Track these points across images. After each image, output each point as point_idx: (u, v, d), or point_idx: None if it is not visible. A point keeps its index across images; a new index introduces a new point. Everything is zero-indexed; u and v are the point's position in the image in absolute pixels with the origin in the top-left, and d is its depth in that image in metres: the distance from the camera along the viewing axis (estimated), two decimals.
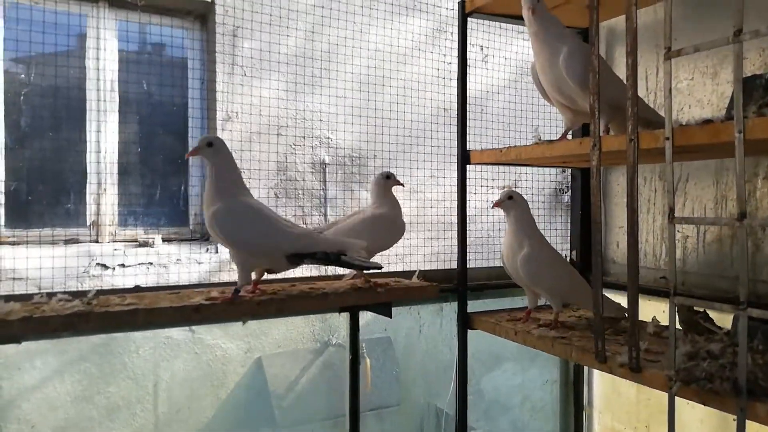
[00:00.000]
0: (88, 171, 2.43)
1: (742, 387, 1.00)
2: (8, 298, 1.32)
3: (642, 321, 1.52)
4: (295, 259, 1.45)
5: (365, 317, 2.78)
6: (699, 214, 1.67)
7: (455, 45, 1.89)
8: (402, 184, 1.84)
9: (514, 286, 1.81)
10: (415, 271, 1.83)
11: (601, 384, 2.20)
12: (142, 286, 1.62)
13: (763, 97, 1.06)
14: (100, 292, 1.39)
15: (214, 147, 1.45)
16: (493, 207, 1.68)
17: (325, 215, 2.74)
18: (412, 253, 2.71)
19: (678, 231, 1.73)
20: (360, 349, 2.68)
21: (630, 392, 1.98)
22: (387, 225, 1.71)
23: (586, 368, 2.22)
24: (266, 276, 1.57)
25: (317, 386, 2.70)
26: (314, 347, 2.79)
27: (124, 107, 2.51)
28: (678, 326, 1.36)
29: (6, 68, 2.29)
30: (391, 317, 1.61)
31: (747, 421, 1.02)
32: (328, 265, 1.50)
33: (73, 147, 2.43)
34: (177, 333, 2.42)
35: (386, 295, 1.50)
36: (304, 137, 2.73)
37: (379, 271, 1.49)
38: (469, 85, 1.84)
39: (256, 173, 2.51)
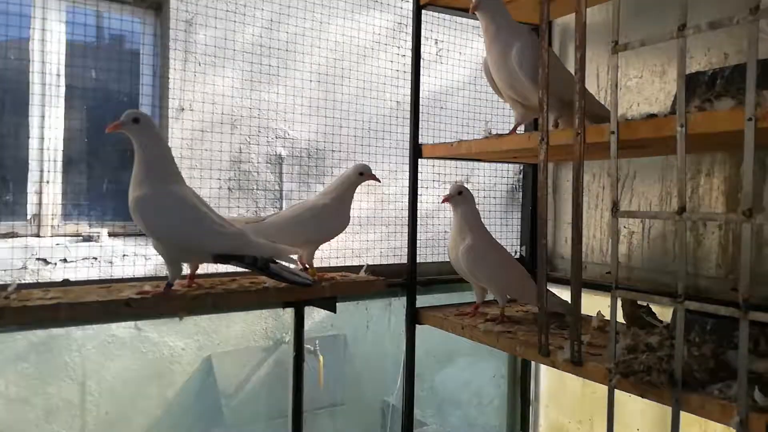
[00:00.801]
0: (29, 161, 2.32)
1: (678, 379, 1.01)
2: None
3: (587, 315, 1.53)
4: (222, 260, 1.36)
5: (320, 315, 2.74)
6: (645, 209, 1.70)
7: (431, 39, 1.88)
8: (378, 180, 1.81)
9: (464, 281, 1.81)
10: (363, 265, 1.81)
11: (547, 378, 2.22)
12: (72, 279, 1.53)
13: (705, 93, 1.07)
14: (22, 286, 1.30)
15: (140, 124, 1.33)
16: (442, 202, 1.68)
17: (281, 209, 2.69)
18: (370, 248, 2.69)
19: (624, 227, 1.75)
20: (313, 346, 2.65)
21: (575, 386, 2.00)
22: (329, 215, 1.67)
23: (533, 363, 2.24)
24: (208, 269, 1.50)
25: (269, 384, 2.66)
26: (267, 345, 2.74)
27: (70, 96, 2.41)
28: (622, 321, 1.37)
29: None
30: (335, 312, 1.58)
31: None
32: (255, 272, 1.40)
33: (14, 136, 2.32)
34: (122, 331, 2.33)
35: (330, 289, 1.46)
36: (260, 130, 2.68)
37: (308, 283, 1.42)
38: (427, 81, 1.83)
39: (209, 166, 2.44)
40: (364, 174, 1.77)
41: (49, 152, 2.34)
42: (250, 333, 2.66)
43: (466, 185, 1.74)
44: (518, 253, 2.16)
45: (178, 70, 2.47)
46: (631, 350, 1.09)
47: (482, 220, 1.73)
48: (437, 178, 2.51)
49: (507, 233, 2.35)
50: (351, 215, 1.82)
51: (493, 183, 2.56)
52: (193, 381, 2.55)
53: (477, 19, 1.64)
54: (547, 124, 1.25)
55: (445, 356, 2.86)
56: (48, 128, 2.33)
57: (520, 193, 2.32)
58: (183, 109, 2.49)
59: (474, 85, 2.62)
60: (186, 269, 1.46)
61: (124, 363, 2.35)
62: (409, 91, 2.51)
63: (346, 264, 2.37)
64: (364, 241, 2.56)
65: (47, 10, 2.32)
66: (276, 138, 2.69)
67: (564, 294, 1.71)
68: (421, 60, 1.87)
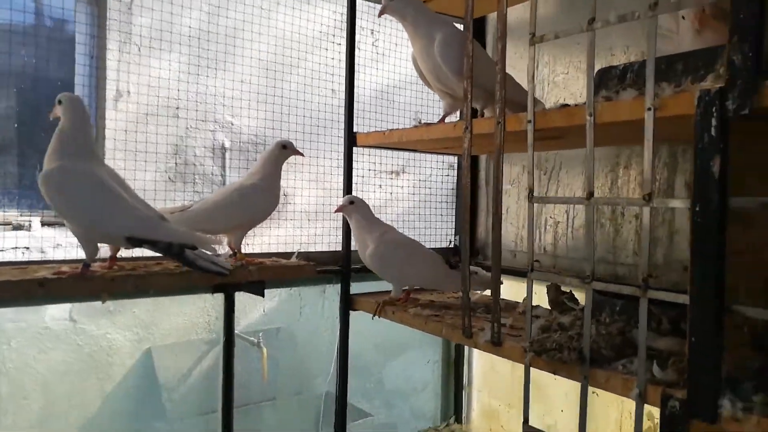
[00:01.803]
0: None
1: (586, 356, 1.06)
2: None
3: (515, 302, 1.59)
4: (136, 243, 1.34)
5: (265, 306, 2.73)
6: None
7: (359, 32, 1.89)
8: (301, 154, 1.81)
9: None
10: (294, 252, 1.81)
11: (480, 363, 2.28)
12: None
13: (617, 85, 1.13)
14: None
15: (62, 104, 1.39)
16: (335, 212, 1.76)
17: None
18: (317, 242, 2.69)
19: (550, 217, 1.83)
20: (257, 339, 2.63)
21: (505, 370, 2.07)
22: (258, 196, 1.67)
23: (467, 349, 2.30)
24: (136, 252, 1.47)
25: (211, 377, 2.62)
26: (209, 338, 2.71)
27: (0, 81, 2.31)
28: (545, 306, 1.43)
29: None
30: (263, 296, 1.58)
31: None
32: (170, 258, 1.37)
33: None
34: (56, 324, 2.27)
35: (258, 273, 1.45)
36: (203, 120, 2.63)
37: (223, 272, 1.40)
38: (374, 72, 1.84)
39: (149, 156, 2.39)
40: (287, 147, 1.77)
41: None
42: (191, 326, 2.63)
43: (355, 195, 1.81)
44: (452, 243, 2.21)
45: (115, 55, 2.40)
46: (545, 330, 1.15)
47: (380, 219, 1.83)
48: (376, 168, 2.54)
49: (444, 223, 2.41)
50: (286, 205, 1.81)
51: (430, 174, 2.61)
52: (133, 374, 2.50)
53: None
54: (470, 114, 1.29)
55: (394, 349, 2.90)
56: None
57: (453, 187, 2.38)
58: (121, 95, 2.42)
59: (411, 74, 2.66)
60: (108, 251, 1.43)
61: (58, 356, 2.28)
62: (359, 79, 2.52)
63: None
64: (311, 235, 2.57)
65: None
66: (220, 128, 2.66)
67: None
68: (357, 50, 1.88)
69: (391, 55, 2.74)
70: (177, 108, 2.51)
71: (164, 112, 2.43)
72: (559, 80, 1.81)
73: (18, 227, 2.28)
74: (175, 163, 2.52)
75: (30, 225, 2.30)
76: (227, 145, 2.68)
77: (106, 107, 2.41)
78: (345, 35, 2.57)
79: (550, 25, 1.83)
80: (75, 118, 1.37)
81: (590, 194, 1.02)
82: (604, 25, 1.00)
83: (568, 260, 1.76)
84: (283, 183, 2.89)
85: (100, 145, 2.41)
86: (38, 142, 2.42)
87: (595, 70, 1.47)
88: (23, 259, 2.19)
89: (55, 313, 2.25)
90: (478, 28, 2.06)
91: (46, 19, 2.53)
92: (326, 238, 2.62)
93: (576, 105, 1.11)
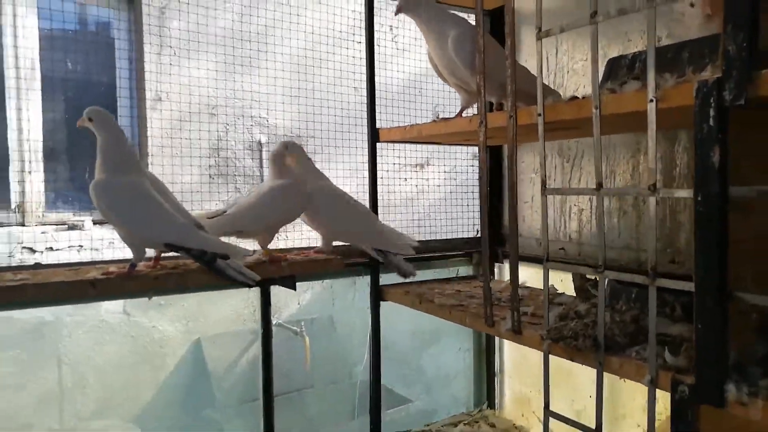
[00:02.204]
0: (10, 153, 2.37)
1: (601, 343, 1.08)
2: None
3: (539, 289, 1.60)
4: (173, 248, 1.44)
5: (306, 297, 2.81)
6: (593, 185, 1.77)
7: (386, 26, 1.92)
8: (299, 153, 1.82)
9: (426, 260, 1.87)
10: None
11: (510, 351, 2.30)
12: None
13: (626, 75, 1.13)
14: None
15: (94, 121, 1.47)
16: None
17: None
18: None
19: (575, 205, 1.83)
20: (300, 329, 2.72)
21: (535, 357, 2.08)
22: (289, 196, 1.71)
23: (497, 337, 2.32)
24: None
25: (258, 366, 2.72)
26: (254, 327, 2.80)
27: (48, 87, 2.44)
28: (569, 293, 1.44)
29: None
30: (295, 290, 1.65)
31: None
32: (202, 264, 1.45)
33: None
34: (111, 317, 2.39)
35: (289, 268, 1.53)
36: (239, 117, 2.71)
37: (249, 284, 1.46)
38: (398, 68, 1.85)
39: (191, 155, 2.49)
40: (289, 147, 1.81)
41: (29, 143, 2.38)
42: (237, 316, 2.73)
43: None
44: (479, 232, 2.22)
45: (153, 60, 2.50)
46: (562, 318, 1.17)
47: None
48: (401, 161, 2.57)
49: (470, 213, 2.42)
50: None
51: (454, 165, 2.62)
52: (184, 364, 2.60)
53: None
54: (485, 108, 1.31)
55: (429, 336, 2.94)
56: (26, 120, 2.38)
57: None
58: (160, 98, 2.53)
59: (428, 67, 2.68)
60: (154, 252, 1.54)
61: (114, 348, 2.41)
62: (383, 77, 2.55)
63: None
64: None
65: (18, 6, 2.35)
66: (256, 125, 2.73)
67: (523, 269, 1.78)
68: (377, 47, 1.90)
69: (412, 49, 2.76)
70: (214, 107, 2.60)
71: (202, 113, 2.53)
72: (579, 67, 1.80)
73: (72, 227, 2.43)
74: (215, 160, 2.61)
75: (83, 225, 2.44)
76: (263, 140, 2.76)
77: (147, 109, 2.52)
78: (377, 31, 2.61)
79: (566, 16, 1.81)
80: (108, 133, 1.47)
81: (599, 185, 1.04)
82: (605, 18, 1.00)
83: (592, 247, 1.76)
84: None
85: (143, 146, 2.53)
86: (86, 146, 2.56)
87: (609, 57, 1.48)
88: (78, 257, 2.34)
89: (110, 307, 2.38)
90: (498, 18, 2.05)
91: (88, 26, 2.66)
92: None
93: (584, 97, 1.12)
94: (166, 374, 2.57)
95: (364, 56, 2.52)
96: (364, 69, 2.61)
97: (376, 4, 1.82)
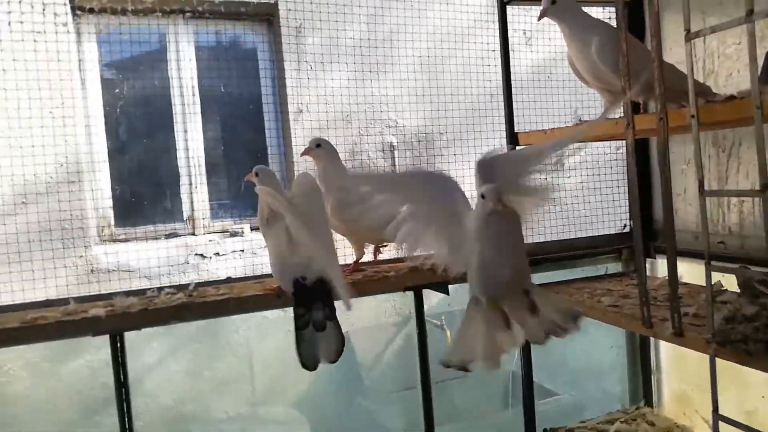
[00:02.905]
0: (180, 170, 2.67)
1: None
2: (128, 294, 1.57)
3: (698, 285, 1.53)
4: None
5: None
6: (753, 177, 1.63)
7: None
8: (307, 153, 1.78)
9: (581, 257, 1.84)
10: None
11: (666, 348, 2.20)
12: (233, 276, 1.82)
13: None
14: (199, 285, 1.59)
15: (259, 177, 1.52)
16: (301, 155, 1.72)
17: None
18: None
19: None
20: (440, 321, 2.80)
21: (694, 354, 1.97)
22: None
23: None
24: None
25: (402, 357, 2.84)
26: (396, 321, 2.92)
27: (205, 109, 2.71)
28: (734, 290, 1.37)
29: (104, 85, 2.56)
30: (448, 294, 1.71)
31: None
32: None
33: (165, 150, 2.68)
34: (271, 313, 2.57)
35: (444, 275, 1.59)
36: (372, 122, 2.82)
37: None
38: (519, 63, 1.82)
39: None
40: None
41: (193, 160, 2.68)
42: (381, 310, 2.86)
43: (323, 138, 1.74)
44: (627, 227, 2.14)
45: (293, 75, 2.67)
46: (728, 321, 1.12)
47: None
48: None
49: (617, 207, 2.33)
50: None
51: (597, 159, 2.53)
52: None
53: None
54: (630, 111, 1.29)
55: None
56: (191, 139, 2.68)
57: (624, 168, 2.27)
58: (301, 110, 2.71)
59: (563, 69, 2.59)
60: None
61: (273, 341, 2.63)
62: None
63: None
64: None
65: (178, 32, 2.64)
66: (387, 128, 2.83)
67: (679, 265, 1.70)
68: (511, 51, 1.89)
69: (540, 43, 2.69)
70: (348, 114, 2.74)
71: (338, 119, 2.68)
72: (731, 52, 1.67)
73: (234, 234, 2.70)
74: (353, 165, 2.75)
75: (242, 231, 2.70)
76: (395, 143, 2.86)
77: (291, 121, 2.72)
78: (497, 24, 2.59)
79: (712, 6, 1.67)
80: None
81: (765, 186, 0.98)
82: (763, 16, 0.94)
83: (757, 239, 1.64)
84: (449, 170, 3.01)
85: (288, 156, 2.74)
86: (241, 158, 2.82)
87: None
88: (240, 262, 2.59)
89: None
90: (636, 8, 1.94)
91: (235, 50, 2.91)
92: None
93: (742, 98, 1.05)
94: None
95: (492, 48, 2.50)
96: (489, 63, 2.62)
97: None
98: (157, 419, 2.44)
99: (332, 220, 1.64)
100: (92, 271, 2.29)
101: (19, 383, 2.23)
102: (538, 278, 1.94)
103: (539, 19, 1.51)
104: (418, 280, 1.60)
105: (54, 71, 2.24)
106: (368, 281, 1.57)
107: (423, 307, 1.76)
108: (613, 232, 2.30)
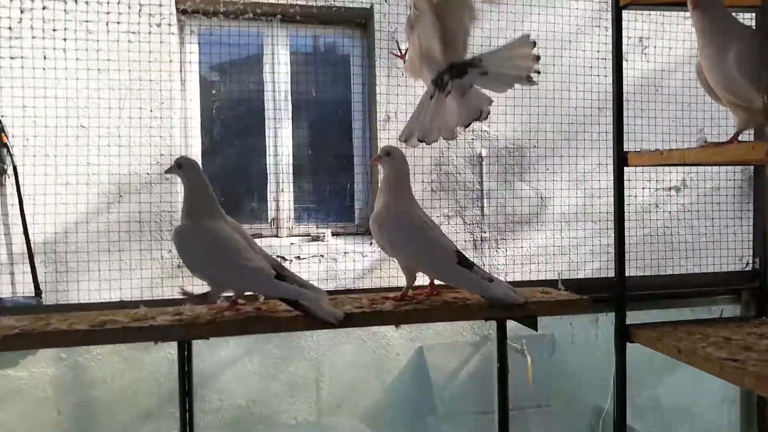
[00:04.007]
0: (268, 173, 2.70)
1: None
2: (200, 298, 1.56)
3: None
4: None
5: None
6: None
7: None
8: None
9: (679, 297, 1.64)
10: (556, 280, 1.72)
11: None
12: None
13: None
14: (268, 297, 1.55)
15: (183, 168, 1.46)
16: (370, 164, 1.56)
17: (482, 208, 2.71)
18: (579, 245, 2.56)
19: None
20: (521, 345, 2.64)
21: None
22: None
23: None
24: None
25: (478, 379, 2.71)
26: (474, 340, 2.80)
27: (296, 113, 2.73)
28: None
29: (202, 86, 2.64)
30: (537, 330, 1.57)
31: None
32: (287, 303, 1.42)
33: (255, 152, 2.72)
34: None
35: (534, 309, 1.46)
36: (461, 132, 2.72)
37: (332, 322, 1.38)
38: (631, 74, 1.66)
39: (412, 170, 2.57)
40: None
41: (281, 164, 2.70)
42: (457, 327, 2.74)
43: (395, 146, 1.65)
44: (750, 265, 1.86)
45: (383, 82, 2.62)
46: None
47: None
48: (645, 178, 2.31)
49: (737, 241, 2.05)
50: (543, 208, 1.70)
51: (716, 185, 2.25)
52: (408, 370, 2.70)
53: (682, 10, 1.46)
54: None
55: (665, 363, 2.63)
56: (280, 143, 2.70)
57: (750, 198, 1.99)
58: (389, 118, 2.65)
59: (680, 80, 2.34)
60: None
61: (347, 349, 2.60)
62: (611, 83, 2.34)
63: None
64: (572, 238, 2.46)
65: (274, 36, 2.66)
66: (476, 138, 2.72)
67: None
68: (624, 61, 1.71)
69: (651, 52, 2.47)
70: None
71: None
72: None
73: (315, 238, 2.68)
74: (436, 175, 2.66)
75: (324, 236, 2.68)
76: (484, 154, 2.73)
77: (378, 130, 2.67)
78: (602, 31, 2.39)
79: None
80: (194, 180, 1.46)
81: None
82: None
83: None
84: (540, 185, 2.86)
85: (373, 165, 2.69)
86: (327, 162, 2.81)
87: None
88: (319, 267, 2.56)
89: None
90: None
91: (329, 54, 2.91)
92: (588, 242, 2.48)
93: None
94: (391, 378, 2.69)
95: (597, 54, 2.30)
96: (594, 72, 2.42)
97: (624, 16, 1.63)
98: (228, 417, 2.46)
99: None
100: (179, 265, 2.35)
101: (105, 368, 2.33)
102: (639, 317, 1.74)
103: (692, 10, 1.32)
104: (504, 313, 1.48)
105: (156, 71, 2.32)
106: (446, 309, 1.47)
107: (506, 337, 1.63)
108: (731, 269, 2.03)
